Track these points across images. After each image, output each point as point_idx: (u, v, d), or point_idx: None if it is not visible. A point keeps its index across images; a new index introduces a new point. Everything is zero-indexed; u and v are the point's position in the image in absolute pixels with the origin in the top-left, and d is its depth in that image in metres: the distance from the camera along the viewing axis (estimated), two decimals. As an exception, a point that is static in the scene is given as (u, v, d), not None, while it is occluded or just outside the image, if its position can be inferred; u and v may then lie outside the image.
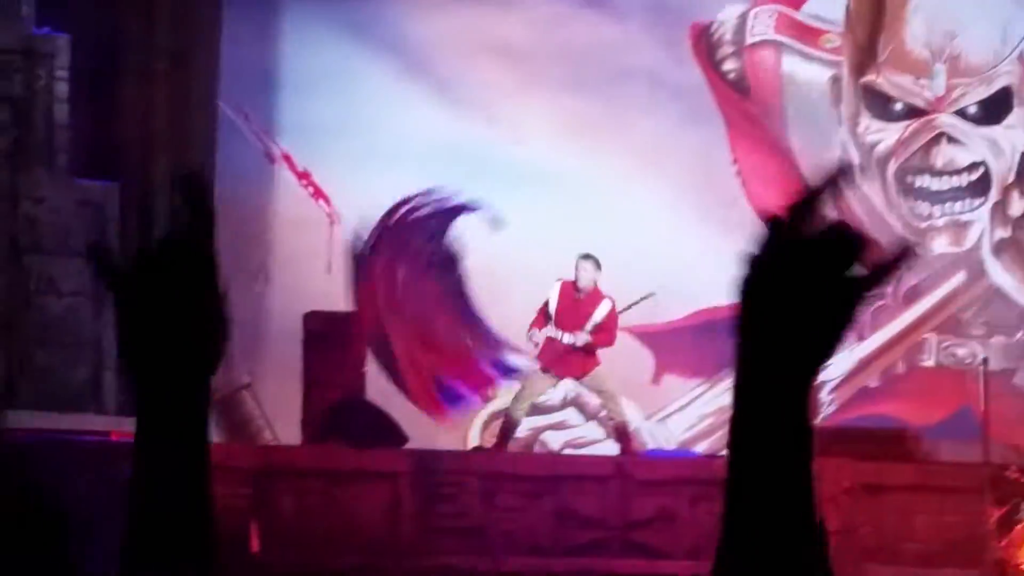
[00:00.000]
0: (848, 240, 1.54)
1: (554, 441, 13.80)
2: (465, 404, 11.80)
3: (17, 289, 11.43)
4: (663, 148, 14.17)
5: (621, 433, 12.14)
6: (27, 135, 11.63)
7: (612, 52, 14.29)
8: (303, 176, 13.99)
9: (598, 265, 12.00)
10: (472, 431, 13.40)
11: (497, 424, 12.39)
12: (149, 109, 12.70)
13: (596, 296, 11.99)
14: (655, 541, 10.72)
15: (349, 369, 11.80)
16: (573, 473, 11.07)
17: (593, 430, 13.77)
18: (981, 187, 14.41)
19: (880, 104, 14.41)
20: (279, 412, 12.76)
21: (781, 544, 1.49)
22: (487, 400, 12.13)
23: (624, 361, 12.65)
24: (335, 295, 12.14)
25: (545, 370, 11.93)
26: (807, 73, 14.48)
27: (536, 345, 11.99)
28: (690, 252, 13.41)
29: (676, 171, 14.01)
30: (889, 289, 14.34)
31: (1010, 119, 14.44)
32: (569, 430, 13.89)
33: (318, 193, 13.94)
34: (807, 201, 1.54)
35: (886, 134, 14.42)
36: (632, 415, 12.84)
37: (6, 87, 11.62)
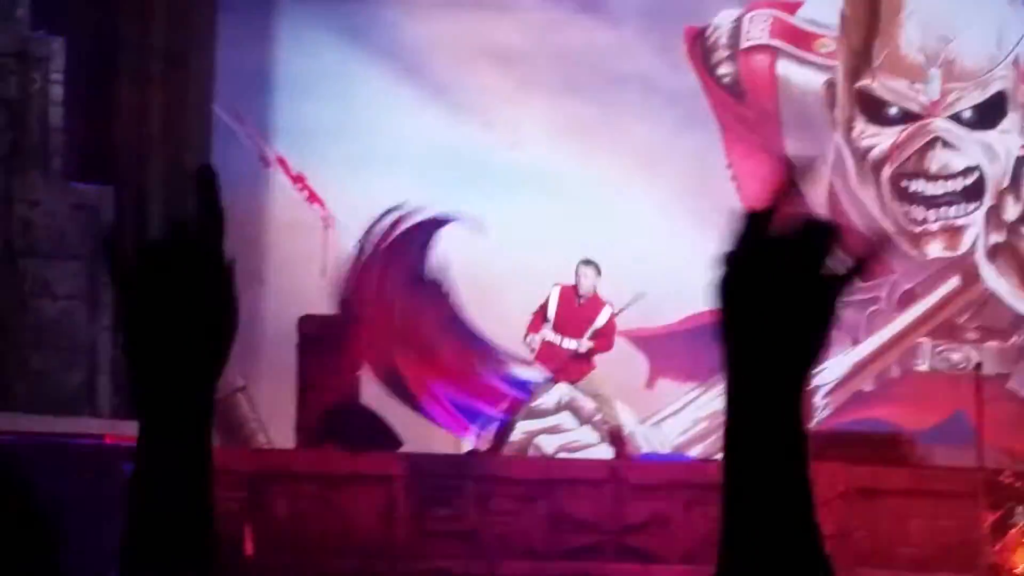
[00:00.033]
0: (820, 233, 1.52)
1: (548, 445, 13.80)
2: (488, 419, 11.75)
3: (12, 292, 11.42)
4: (658, 152, 14.18)
5: (615, 437, 12.15)
6: (22, 138, 11.63)
7: (607, 57, 14.29)
8: (297, 180, 14.00)
9: (599, 271, 12.05)
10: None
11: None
12: (144, 112, 12.70)
13: (596, 302, 12.03)
14: (649, 545, 10.72)
15: (344, 373, 11.79)
16: (567, 477, 11.07)
17: (587, 434, 13.77)
18: (976, 191, 14.42)
19: (875, 108, 14.42)
20: (274, 415, 12.75)
21: (781, 551, 1.49)
22: (511, 413, 12.03)
23: (618, 365, 12.66)
24: (330, 299, 12.14)
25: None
26: (802, 77, 14.49)
27: (532, 350, 12.02)
28: (685, 256, 13.41)
29: (671, 175, 14.02)
30: (883, 293, 14.36)
31: (1005, 124, 14.46)
32: (563, 434, 13.90)
33: (312, 197, 13.95)
34: (774, 200, 1.52)
35: (881, 138, 14.43)
36: (626, 419, 12.85)
37: (1, 90, 11.62)
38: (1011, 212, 14.44)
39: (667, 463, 12.26)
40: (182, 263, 1.58)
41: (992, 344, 14.28)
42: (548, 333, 11.98)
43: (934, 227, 14.41)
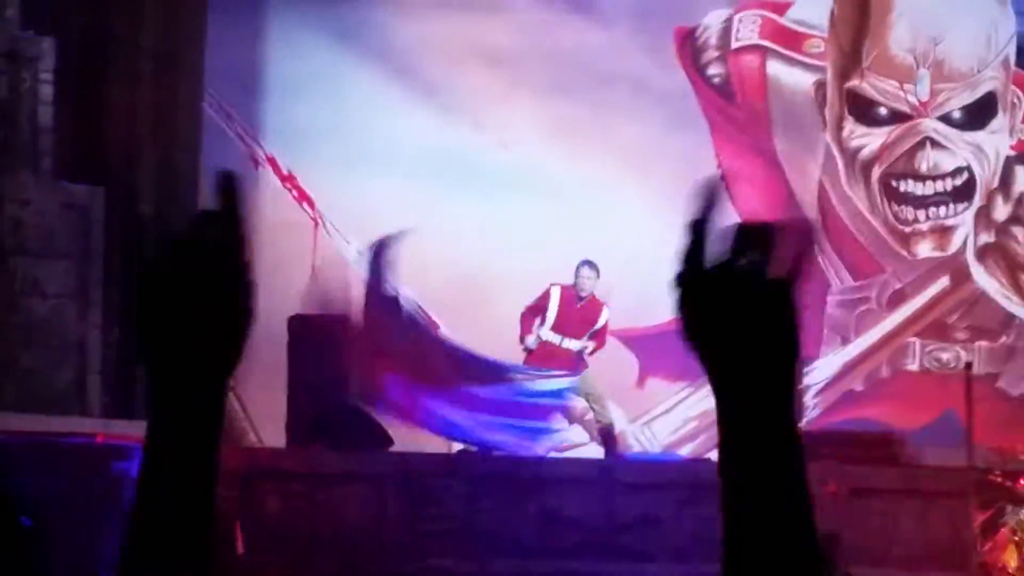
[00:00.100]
0: (755, 237, 1.53)
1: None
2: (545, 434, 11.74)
3: (2, 291, 11.41)
4: (648, 153, 14.18)
5: (606, 436, 12.17)
6: (12, 137, 11.62)
7: (597, 57, 14.30)
8: (287, 179, 13.99)
9: (598, 272, 12.12)
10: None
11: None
12: (134, 112, 12.68)
13: (595, 302, 12.12)
14: (640, 544, 10.73)
15: (334, 372, 11.79)
16: (558, 476, 11.07)
17: (578, 433, 13.77)
18: (965, 192, 14.44)
19: (864, 109, 14.43)
20: (264, 415, 12.74)
21: (784, 553, 1.49)
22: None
23: (609, 364, 12.67)
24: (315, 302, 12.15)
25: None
26: (792, 78, 14.50)
27: (527, 350, 12.06)
28: (674, 256, 13.41)
29: (661, 176, 14.02)
30: (873, 293, 14.38)
31: (994, 124, 14.48)
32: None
33: (302, 196, 13.94)
34: (698, 227, 1.54)
35: (871, 139, 14.44)
36: (617, 418, 12.86)
37: (-9, 89, 11.61)
38: (1001, 212, 14.46)
39: (657, 463, 12.28)
40: (203, 264, 1.57)
41: (982, 343, 14.30)
42: (548, 333, 12.04)
43: (924, 227, 14.43)
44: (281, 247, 13.89)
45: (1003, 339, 14.34)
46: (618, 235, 13.69)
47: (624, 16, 14.40)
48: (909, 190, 14.43)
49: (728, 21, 14.55)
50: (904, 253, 14.39)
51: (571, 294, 12.09)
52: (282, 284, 13.50)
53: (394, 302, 11.50)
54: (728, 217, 1.57)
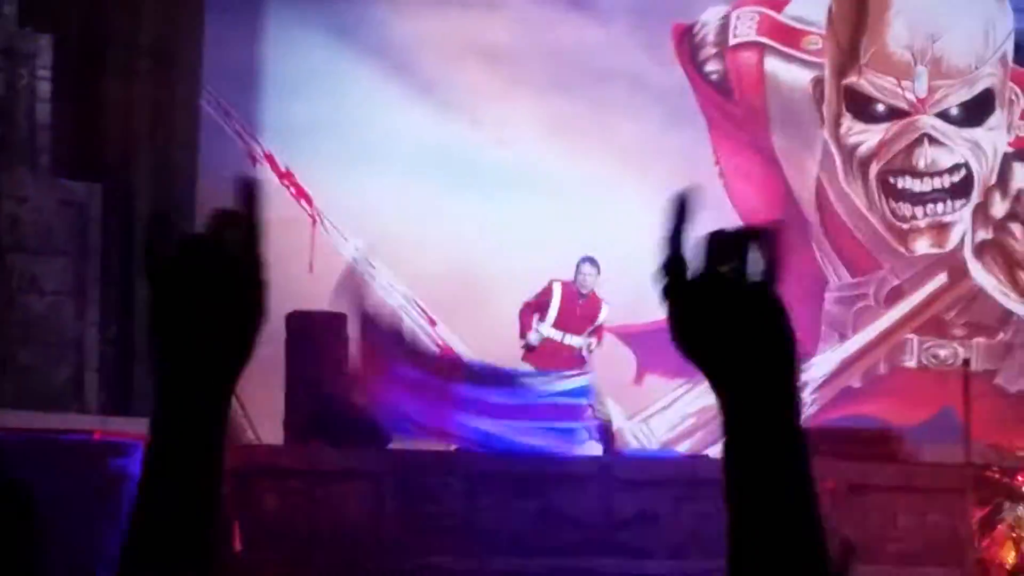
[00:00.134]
0: (731, 244, 1.56)
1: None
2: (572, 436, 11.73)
3: (-1, 288, 11.41)
4: (646, 149, 14.18)
5: (604, 433, 12.17)
6: (9, 134, 11.61)
7: (595, 54, 14.30)
8: (285, 176, 13.99)
9: (599, 268, 12.15)
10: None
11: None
12: (132, 109, 12.68)
13: (596, 299, 12.15)
14: (638, 541, 10.73)
15: (332, 369, 11.78)
16: (556, 473, 11.07)
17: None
18: (963, 188, 14.45)
19: (862, 105, 14.44)
20: (261, 412, 12.73)
21: (789, 551, 1.50)
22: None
23: (607, 361, 12.67)
24: (317, 295, 12.13)
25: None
26: (789, 74, 14.50)
27: (528, 347, 12.07)
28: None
29: (659, 172, 14.02)
30: (871, 290, 14.39)
31: (992, 121, 14.48)
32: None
33: (300, 193, 13.94)
34: (675, 240, 1.55)
35: (868, 135, 14.45)
36: (615, 415, 12.86)
37: (-12, 86, 11.61)
38: (998, 209, 14.46)
39: (655, 459, 12.28)
40: (221, 263, 1.58)
41: (979, 340, 14.31)
42: (549, 329, 12.05)
43: (922, 224, 14.43)
44: (278, 244, 13.87)
45: (1001, 336, 14.35)
46: (616, 232, 13.69)
47: (622, 13, 14.40)
48: (907, 187, 14.44)
49: (726, 18, 14.55)
50: (902, 250, 14.39)
51: (572, 290, 12.11)
52: (280, 281, 13.49)
53: (388, 325, 11.52)
54: (702, 227, 1.59)
